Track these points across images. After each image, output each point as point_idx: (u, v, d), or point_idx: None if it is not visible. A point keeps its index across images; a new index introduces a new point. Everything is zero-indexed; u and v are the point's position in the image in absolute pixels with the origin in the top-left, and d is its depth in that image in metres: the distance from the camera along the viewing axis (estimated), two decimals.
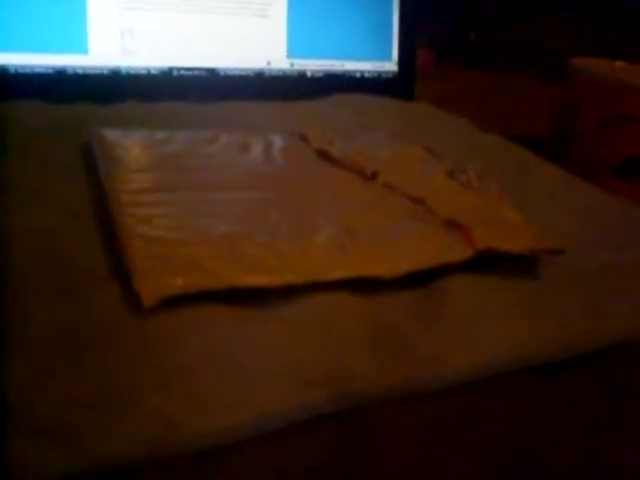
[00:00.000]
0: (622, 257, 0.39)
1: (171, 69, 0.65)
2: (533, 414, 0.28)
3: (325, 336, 0.30)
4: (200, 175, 0.43)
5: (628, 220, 0.45)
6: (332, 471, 0.24)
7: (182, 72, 0.65)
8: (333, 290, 0.32)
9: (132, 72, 0.63)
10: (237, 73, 0.67)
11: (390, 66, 0.72)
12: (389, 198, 0.42)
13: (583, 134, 0.61)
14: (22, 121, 0.51)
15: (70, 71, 0.62)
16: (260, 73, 0.67)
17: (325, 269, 0.33)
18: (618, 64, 0.66)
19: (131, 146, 0.46)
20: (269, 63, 0.67)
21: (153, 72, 0.64)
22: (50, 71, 0.61)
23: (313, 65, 0.69)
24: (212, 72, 0.66)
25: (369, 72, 0.71)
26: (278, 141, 0.50)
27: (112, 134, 0.47)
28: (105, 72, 0.63)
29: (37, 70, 0.61)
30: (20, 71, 0.60)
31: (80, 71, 0.62)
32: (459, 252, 0.35)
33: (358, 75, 0.71)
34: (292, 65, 0.68)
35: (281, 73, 0.68)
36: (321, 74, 0.69)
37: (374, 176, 0.45)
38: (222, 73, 0.66)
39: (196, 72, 0.65)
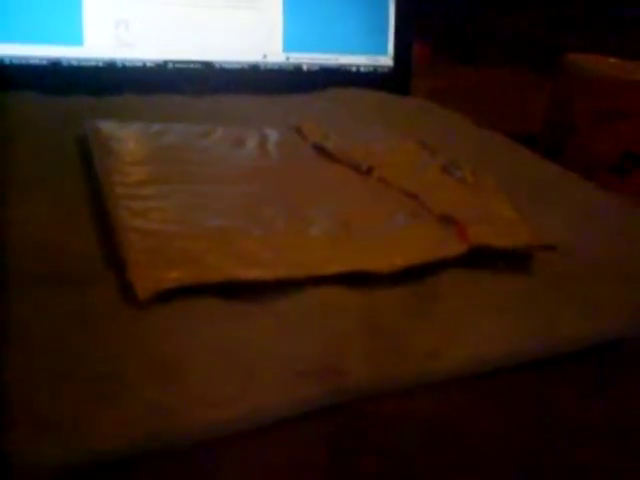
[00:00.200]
0: (616, 254, 0.39)
1: (166, 62, 0.64)
2: (524, 410, 0.28)
3: (319, 330, 0.30)
4: (196, 168, 0.43)
5: (623, 216, 0.45)
6: (326, 464, 0.25)
7: (177, 65, 0.65)
8: (328, 284, 0.32)
9: (127, 64, 0.63)
10: (233, 66, 0.66)
11: (386, 60, 0.72)
12: (384, 193, 0.42)
13: (578, 130, 0.61)
14: (17, 113, 0.51)
15: (65, 63, 0.62)
16: (256, 66, 0.67)
17: (320, 263, 0.33)
18: (612, 60, 0.66)
19: (127, 139, 0.46)
20: (265, 57, 0.67)
21: (148, 65, 0.64)
22: (45, 62, 0.61)
23: (309, 59, 0.69)
24: (208, 65, 0.66)
25: (365, 66, 0.71)
26: (274, 135, 0.50)
27: (108, 126, 0.47)
28: (100, 64, 0.62)
29: (32, 61, 0.61)
30: (14, 62, 0.60)
31: (75, 63, 0.62)
32: (453, 247, 0.35)
33: (354, 69, 0.71)
34: (288, 59, 0.68)
35: (277, 67, 0.68)
36: (317, 68, 0.69)
37: (369, 171, 0.45)
38: (218, 66, 0.66)
39: (191, 65, 0.65)
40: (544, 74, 0.71)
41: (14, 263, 0.32)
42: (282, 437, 0.25)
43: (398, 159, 0.47)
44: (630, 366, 0.32)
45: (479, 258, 0.35)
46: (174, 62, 0.65)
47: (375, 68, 0.72)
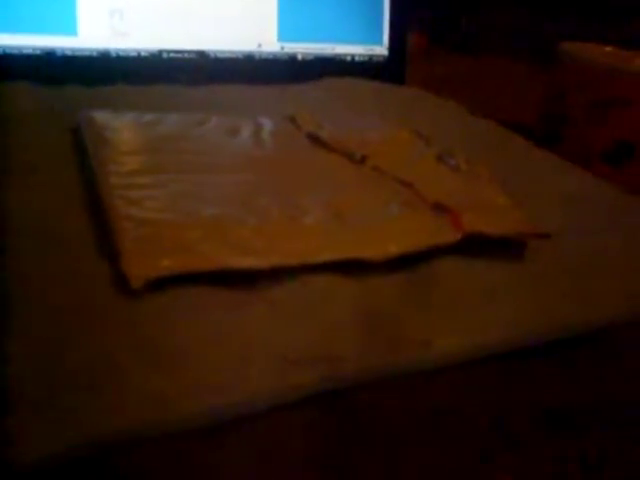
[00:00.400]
0: (609, 242, 0.39)
1: (161, 51, 0.64)
2: (517, 397, 0.28)
3: (313, 318, 0.30)
4: (190, 157, 0.43)
5: (616, 205, 0.45)
6: (320, 452, 0.25)
7: (172, 55, 0.65)
8: (322, 272, 0.32)
9: (122, 54, 0.63)
10: (227, 56, 0.66)
11: (381, 50, 0.72)
12: (378, 181, 0.43)
13: (573, 119, 0.61)
14: (11, 103, 0.51)
15: (59, 52, 0.61)
16: (250, 56, 0.67)
17: (314, 251, 0.33)
18: (607, 49, 0.66)
19: (121, 128, 0.46)
20: (260, 46, 0.67)
21: (143, 54, 0.64)
22: (39, 52, 0.61)
23: (304, 48, 0.69)
24: (202, 55, 0.66)
25: (360, 56, 0.71)
26: (268, 124, 0.50)
27: (102, 116, 0.47)
28: (95, 54, 0.62)
29: (26, 51, 0.61)
30: (8, 52, 0.60)
31: (69, 53, 0.62)
32: (447, 235, 0.35)
33: (349, 59, 0.71)
34: (282, 48, 0.68)
35: (271, 56, 0.68)
36: (311, 57, 0.69)
37: (363, 160, 0.45)
38: (212, 56, 0.66)
39: (186, 55, 0.65)
40: (540, 63, 0.71)
41: (8, 254, 0.32)
42: (276, 424, 0.25)
43: (392, 148, 0.47)
44: (621, 353, 0.32)
45: (473, 246, 0.35)
46: (169, 52, 0.65)
47: (370, 57, 0.71)
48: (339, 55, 0.70)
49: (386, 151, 0.46)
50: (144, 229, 0.33)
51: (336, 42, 0.70)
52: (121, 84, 0.59)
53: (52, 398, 0.24)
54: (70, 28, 0.61)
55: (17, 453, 0.22)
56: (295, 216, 0.37)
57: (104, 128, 0.45)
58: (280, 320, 0.30)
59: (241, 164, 0.44)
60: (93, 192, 0.38)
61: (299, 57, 0.69)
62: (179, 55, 0.65)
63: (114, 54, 0.63)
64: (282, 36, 0.68)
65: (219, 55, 0.66)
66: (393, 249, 0.34)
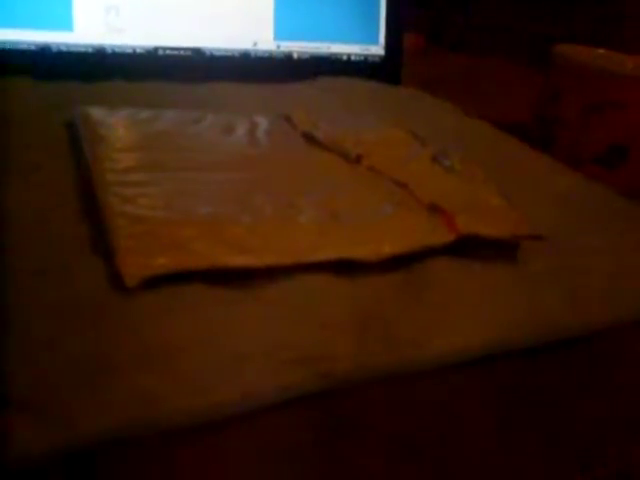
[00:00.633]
0: (602, 244, 0.39)
1: (157, 48, 0.64)
2: (510, 398, 0.28)
3: (308, 317, 0.30)
4: (185, 155, 0.43)
5: (609, 207, 0.45)
6: (312, 451, 0.25)
7: (168, 52, 0.65)
8: (316, 272, 0.33)
9: (117, 50, 0.63)
10: (223, 54, 0.66)
11: (377, 50, 0.72)
12: (373, 181, 0.43)
13: (566, 121, 0.62)
14: (5, 98, 0.51)
15: (54, 48, 0.61)
16: (246, 54, 0.67)
17: (308, 250, 0.33)
18: (601, 52, 0.66)
19: (116, 125, 0.46)
20: (255, 44, 0.67)
21: (138, 51, 0.64)
22: (34, 48, 0.61)
23: (299, 47, 0.69)
24: (198, 52, 0.66)
25: (356, 55, 0.71)
26: (264, 123, 0.50)
27: (97, 113, 0.47)
28: (90, 50, 0.62)
29: (21, 46, 0.60)
30: (3, 47, 0.60)
31: (64, 48, 0.61)
32: (442, 236, 0.35)
33: (345, 58, 0.71)
34: (278, 47, 0.68)
35: (267, 54, 0.68)
36: (307, 56, 0.69)
37: (359, 159, 0.45)
38: (208, 53, 0.66)
39: (182, 52, 0.65)
40: (536, 64, 0.71)
41: (2, 251, 0.32)
42: (269, 423, 0.25)
43: (388, 148, 0.47)
44: (616, 355, 0.32)
45: (467, 247, 0.36)
46: (164, 48, 0.64)
47: (366, 57, 0.71)
48: (335, 54, 0.70)
49: (381, 151, 0.46)
50: (139, 227, 0.33)
51: (332, 41, 0.70)
52: (116, 80, 0.59)
53: (44, 396, 0.24)
54: (66, 23, 0.61)
55: (9, 451, 0.22)
56: (290, 215, 0.37)
57: (99, 124, 0.45)
58: (274, 319, 0.30)
59: (236, 162, 0.44)
60: (88, 188, 0.38)
61: (295, 56, 0.69)
62: (175, 52, 0.65)
63: (109, 50, 0.63)
64: (278, 34, 0.68)
65: (215, 53, 0.66)
66: (387, 249, 0.34)
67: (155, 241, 0.32)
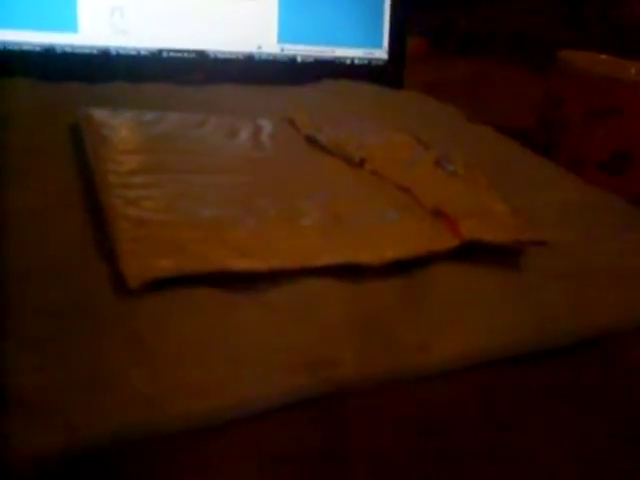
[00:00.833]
0: (606, 249, 0.39)
1: (161, 50, 0.64)
2: (513, 404, 0.28)
3: (310, 321, 0.30)
4: (189, 158, 0.43)
5: (612, 213, 0.45)
6: (314, 456, 0.25)
7: (172, 54, 0.65)
8: (319, 276, 0.33)
9: (122, 52, 0.63)
10: (227, 56, 0.66)
11: (380, 54, 0.72)
12: (376, 185, 0.43)
13: (570, 127, 0.62)
14: (10, 99, 0.51)
15: (59, 49, 0.61)
16: (250, 57, 0.67)
17: (312, 254, 0.33)
18: (605, 57, 0.66)
19: (120, 127, 0.46)
20: (259, 47, 0.67)
21: (143, 53, 0.64)
22: (39, 49, 0.61)
23: (303, 50, 0.69)
24: (202, 55, 0.66)
25: (359, 59, 0.71)
26: (267, 126, 0.50)
27: (101, 114, 0.47)
28: (94, 52, 0.62)
29: (25, 47, 0.60)
30: (8, 48, 0.60)
31: (69, 50, 0.62)
32: (445, 241, 0.35)
33: (348, 62, 0.71)
34: (282, 50, 0.68)
35: (271, 58, 0.68)
36: (311, 60, 0.69)
37: (362, 163, 0.45)
38: (212, 56, 0.66)
39: (186, 54, 0.65)
40: (539, 69, 0.71)
41: (4, 252, 0.32)
42: (271, 428, 0.25)
43: (391, 152, 0.47)
44: (619, 361, 0.32)
45: (470, 252, 0.36)
46: (169, 51, 0.65)
47: (369, 61, 0.72)
48: (339, 58, 0.70)
49: (384, 155, 0.46)
50: (142, 229, 0.33)
51: (336, 45, 0.70)
52: (120, 82, 0.59)
53: (45, 399, 0.24)
54: (71, 25, 0.61)
55: (11, 453, 0.22)
56: (293, 218, 0.37)
57: (103, 126, 0.45)
58: (276, 323, 0.30)
59: (240, 165, 0.44)
60: (91, 190, 0.38)
61: (299, 59, 0.69)
62: (179, 54, 0.65)
63: (114, 52, 0.63)
64: (282, 38, 0.68)
65: (219, 55, 0.66)
66: (390, 254, 0.34)
67: (158, 244, 0.32)
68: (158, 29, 0.64)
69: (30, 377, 0.25)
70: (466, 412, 0.28)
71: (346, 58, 0.71)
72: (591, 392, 0.30)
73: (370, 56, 0.71)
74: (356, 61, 0.71)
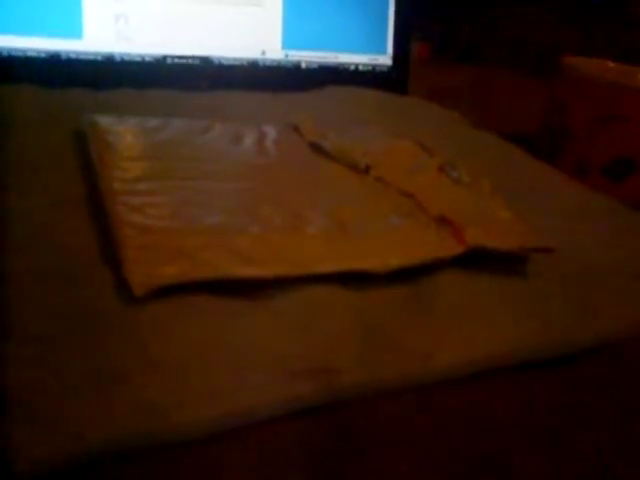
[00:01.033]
0: (610, 256, 0.39)
1: (165, 57, 0.64)
2: (517, 411, 0.28)
3: (315, 329, 0.30)
4: (193, 164, 0.43)
5: (617, 219, 0.45)
6: (317, 463, 0.25)
7: (176, 60, 0.65)
8: (323, 283, 0.32)
9: (126, 59, 0.63)
10: (231, 62, 0.67)
11: (384, 59, 0.72)
12: (381, 192, 0.43)
13: (574, 133, 0.62)
14: (14, 105, 0.51)
15: (64, 56, 0.61)
16: (254, 63, 0.67)
17: (316, 262, 0.33)
18: (610, 63, 0.66)
19: (125, 133, 0.46)
20: (264, 53, 0.67)
21: (147, 59, 0.64)
22: (43, 55, 0.61)
23: (308, 57, 0.69)
24: (206, 61, 0.66)
25: (363, 65, 0.71)
26: (272, 132, 0.50)
27: (105, 121, 0.47)
28: (99, 58, 0.62)
29: (30, 54, 0.61)
30: (13, 54, 0.60)
31: (74, 56, 0.62)
32: (449, 248, 0.35)
33: (352, 68, 0.71)
34: (287, 56, 0.68)
35: (275, 64, 0.68)
36: (315, 66, 0.69)
37: (367, 170, 0.45)
38: (216, 62, 0.66)
39: (190, 60, 0.65)
40: (542, 74, 0.71)
41: (8, 257, 0.32)
42: (274, 435, 0.25)
43: (395, 159, 0.47)
44: (627, 369, 0.32)
45: (475, 259, 0.35)
46: (173, 57, 0.65)
47: (374, 67, 0.72)
48: (343, 64, 0.70)
49: (389, 162, 0.46)
50: (147, 237, 0.33)
51: (340, 51, 0.70)
52: (125, 88, 0.59)
53: (50, 405, 0.24)
54: (75, 31, 0.61)
55: (13, 460, 0.22)
56: (298, 226, 0.37)
57: (107, 133, 0.45)
58: (281, 330, 0.30)
59: (244, 172, 0.44)
60: (96, 197, 0.38)
61: (303, 65, 0.69)
62: (183, 61, 0.65)
63: (118, 58, 0.63)
64: (286, 44, 0.68)
65: (223, 62, 0.66)
66: (395, 261, 0.34)
67: (163, 251, 0.32)
68: (162, 35, 0.64)
69: (33, 384, 0.25)
70: (470, 421, 0.27)
71: (350, 64, 0.71)
72: (597, 399, 0.30)
73: (374, 62, 0.72)
74: (360, 67, 0.71)
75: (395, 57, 0.72)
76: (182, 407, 0.25)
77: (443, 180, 0.45)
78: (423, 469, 0.25)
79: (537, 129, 0.67)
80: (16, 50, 0.60)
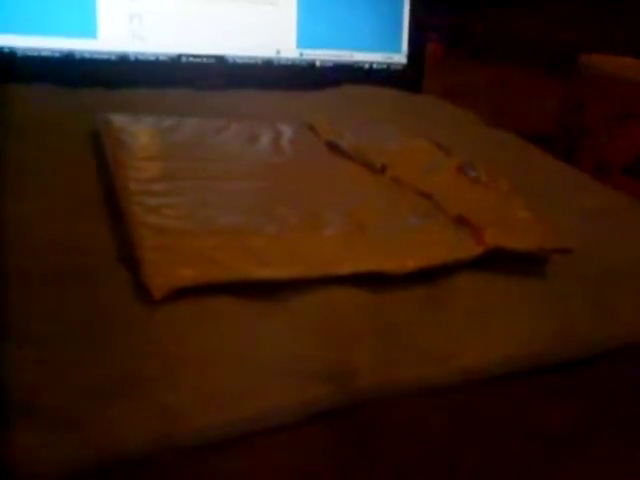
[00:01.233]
0: (630, 256, 0.39)
1: (180, 56, 0.64)
2: (538, 415, 0.28)
3: (332, 331, 0.30)
4: (209, 164, 0.43)
5: (637, 218, 0.44)
6: (335, 466, 0.24)
7: (191, 59, 0.65)
8: (341, 284, 0.32)
9: (141, 58, 0.63)
10: (246, 61, 0.66)
11: (399, 58, 0.72)
12: (398, 192, 0.42)
13: (592, 131, 0.61)
14: (29, 105, 0.51)
15: (78, 55, 0.61)
16: (269, 62, 0.67)
17: (334, 263, 0.33)
18: (628, 61, 0.65)
19: (140, 133, 0.46)
20: (278, 52, 0.67)
21: (162, 58, 0.64)
22: (58, 55, 0.61)
23: (322, 55, 0.69)
24: (221, 60, 0.66)
25: (378, 63, 0.71)
26: (288, 132, 0.50)
27: (120, 120, 0.47)
28: (114, 57, 0.62)
29: (45, 54, 0.61)
30: (28, 54, 0.60)
31: (88, 55, 0.62)
32: (468, 249, 0.35)
33: (367, 66, 0.71)
34: (301, 55, 0.68)
35: (290, 62, 0.68)
36: (330, 64, 0.69)
37: (383, 169, 0.45)
38: (231, 61, 0.66)
39: (205, 59, 0.65)
40: (557, 73, 0.70)
41: (24, 258, 0.32)
42: (292, 438, 0.25)
43: (412, 158, 0.47)
44: None
45: (493, 259, 0.35)
46: (187, 56, 0.65)
47: (388, 65, 0.71)
48: (357, 62, 0.70)
49: (406, 161, 0.46)
50: (163, 238, 0.33)
51: (355, 49, 0.70)
52: (140, 88, 0.59)
53: (64, 408, 0.24)
54: (90, 31, 0.61)
55: (21, 462, 0.22)
56: (315, 226, 0.36)
57: (122, 132, 0.45)
58: (298, 332, 0.30)
59: (260, 172, 0.44)
60: (111, 197, 0.38)
61: (318, 64, 0.69)
62: (198, 60, 0.65)
63: (133, 57, 0.63)
64: (301, 43, 0.68)
65: (238, 60, 0.66)
66: (414, 262, 0.33)
67: (179, 252, 0.32)
68: (177, 35, 0.64)
69: (48, 388, 0.25)
70: (489, 422, 0.27)
71: (365, 62, 0.70)
72: (615, 401, 0.29)
73: (389, 60, 0.71)
74: (375, 65, 0.71)
75: (410, 55, 0.72)
76: (201, 410, 0.25)
77: (461, 180, 0.44)
78: (441, 470, 0.25)
79: (552, 128, 0.66)
80: (31, 50, 0.60)
